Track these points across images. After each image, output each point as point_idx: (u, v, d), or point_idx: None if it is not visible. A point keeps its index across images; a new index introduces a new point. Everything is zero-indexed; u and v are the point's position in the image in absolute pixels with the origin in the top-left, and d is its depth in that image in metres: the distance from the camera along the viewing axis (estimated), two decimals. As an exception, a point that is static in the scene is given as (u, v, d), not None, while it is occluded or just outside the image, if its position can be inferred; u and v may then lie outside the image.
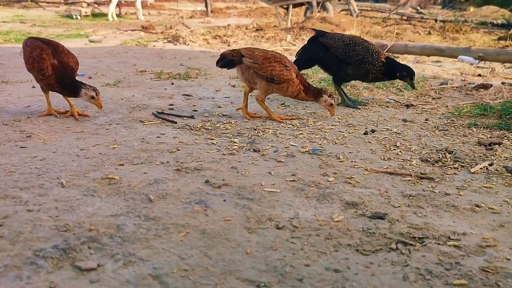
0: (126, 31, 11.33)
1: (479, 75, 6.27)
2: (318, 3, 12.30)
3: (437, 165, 2.74)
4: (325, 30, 4.74)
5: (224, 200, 2.17)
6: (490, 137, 3.34)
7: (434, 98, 4.72)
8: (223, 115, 3.78)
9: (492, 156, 2.92)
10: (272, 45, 9.03)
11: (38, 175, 2.38)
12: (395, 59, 4.66)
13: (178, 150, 2.87)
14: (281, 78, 3.49)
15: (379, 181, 2.48)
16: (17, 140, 2.98)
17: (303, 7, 13.52)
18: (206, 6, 16.88)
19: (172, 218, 1.97)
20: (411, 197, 2.28)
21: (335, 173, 2.57)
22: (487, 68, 6.84)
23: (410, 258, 1.73)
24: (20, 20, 13.42)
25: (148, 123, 3.48)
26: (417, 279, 1.59)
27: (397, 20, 13.86)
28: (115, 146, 2.91)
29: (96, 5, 16.50)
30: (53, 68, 3.40)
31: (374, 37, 9.78)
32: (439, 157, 2.84)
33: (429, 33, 10.95)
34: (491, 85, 5.13)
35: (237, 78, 5.54)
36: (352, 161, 2.78)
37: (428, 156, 2.87)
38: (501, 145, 3.13)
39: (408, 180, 2.50)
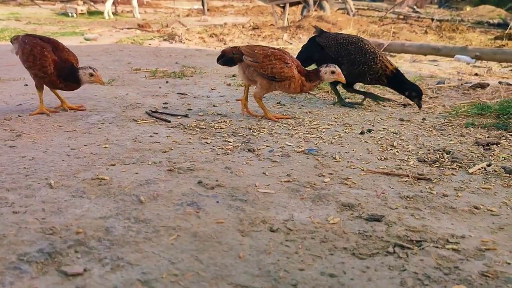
0: (122, 29, 11.25)
1: (476, 74, 6.23)
2: (314, 2, 12.27)
3: (434, 166, 2.70)
4: (324, 29, 4.67)
5: (217, 202, 2.11)
6: (488, 137, 3.29)
7: (431, 98, 4.68)
8: (218, 114, 3.73)
9: (490, 157, 2.88)
10: (268, 43, 8.98)
11: (26, 176, 2.31)
12: (390, 58, 4.57)
13: (171, 149, 2.81)
14: (282, 75, 3.43)
15: (375, 182, 2.43)
16: (6, 139, 2.91)
17: (300, 6, 13.49)
18: (203, 5, 16.81)
19: (163, 221, 1.91)
20: (408, 199, 2.23)
21: (331, 173, 2.52)
22: (484, 67, 6.81)
23: (408, 262, 1.68)
24: (15, 17, 13.32)
25: (141, 122, 3.42)
26: (415, 285, 1.54)
27: (393, 19, 13.83)
28: (107, 146, 2.84)
29: (92, 3, 16.40)
30: (55, 65, 3.39)
31: (371, 36, 9.75)
32: (436, 158, 2.80)
33: (426, 32, 10.93)
34: (488, 85, 5.09)
35: (233, 76, 5.49)
36: (348, 161, 2.72)
37: (426, 156, 2.82)
38: (499, 145, 3.09)
39: (405, 181, 2.45)
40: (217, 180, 2.35)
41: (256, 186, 2.30)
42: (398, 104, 4.34)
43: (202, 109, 3.88)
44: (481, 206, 2.16)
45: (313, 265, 1.64)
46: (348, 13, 13.66)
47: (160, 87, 4.72)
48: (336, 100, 4.28)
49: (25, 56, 3.44)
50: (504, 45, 9.06)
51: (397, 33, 10.19)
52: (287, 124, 3.49)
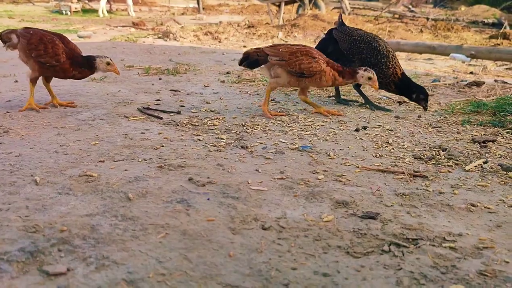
0: (116, 27, 11.16)
1: (471, 72, 6.21)
2: (310, 1, 12.23)
3: (430, 163, 2.65)
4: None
5: (208, 199, 2.05)
6: (484, 134, 3.25)
7: (427, 95, 4.63)
8: (211, 110, 3.66)
9: (487, 154, 2.83)
10: (263, 42, 8.92)
11: (10, 172, 2.24)
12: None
13: (162, 146, 2.75)
14: (311, 70, 3.38)
15: (370, 179, 2.38)
16: (-7, 135, 2.83)
17: (295, 5, 13.45)
18: (198, 3, 16.74)
19: (152, 218, 1.85)
20: (404, 196, 2.18)
21: (325, 170, 2.47)
22: (479, 66, 6.79)
23: (404, 261, 1.62)
24: (8, 15, 13.20)
25: (133, 118, 3.35)
26: (411, 284, 1.49)
27: (389, 18, 13.82)
28: (97, 142, 2.78)
29: (86, 1, 16.28)
30: (66, 53, 3.41)
31: (367, 34, 9.70)
32: (432, 155, 2.75)
33: (421, 31, 10.92)
34: (484, 83, 5.05)
35: (227, 74, 5.43)
36: (343, 158, 2.67)
37: (421, 154, 2.77)
38: (495, 143, 3.05)
39: (401, 178, 2.40)
40: (208, 177, 2.29)
41: (248, 183, 2.24)
42: (394, 102, 4.29)
43: (195, 106, 3.82)
44: (478, 204, 2.11)
45: (306, 264, 1.58)
46: (343, 12, 13.63)
47: (153, 84, 4.65)
48: (333, 95, 4.22)
49: (34, 45, 3.39)
50: (499, 44, 9.06)
51: (393, 32, 10.17)
52: (281, 121, 3.43)
